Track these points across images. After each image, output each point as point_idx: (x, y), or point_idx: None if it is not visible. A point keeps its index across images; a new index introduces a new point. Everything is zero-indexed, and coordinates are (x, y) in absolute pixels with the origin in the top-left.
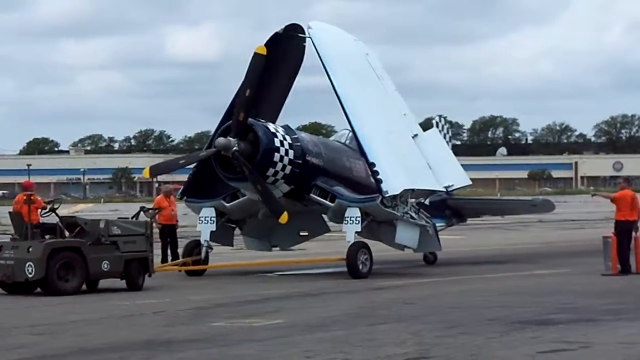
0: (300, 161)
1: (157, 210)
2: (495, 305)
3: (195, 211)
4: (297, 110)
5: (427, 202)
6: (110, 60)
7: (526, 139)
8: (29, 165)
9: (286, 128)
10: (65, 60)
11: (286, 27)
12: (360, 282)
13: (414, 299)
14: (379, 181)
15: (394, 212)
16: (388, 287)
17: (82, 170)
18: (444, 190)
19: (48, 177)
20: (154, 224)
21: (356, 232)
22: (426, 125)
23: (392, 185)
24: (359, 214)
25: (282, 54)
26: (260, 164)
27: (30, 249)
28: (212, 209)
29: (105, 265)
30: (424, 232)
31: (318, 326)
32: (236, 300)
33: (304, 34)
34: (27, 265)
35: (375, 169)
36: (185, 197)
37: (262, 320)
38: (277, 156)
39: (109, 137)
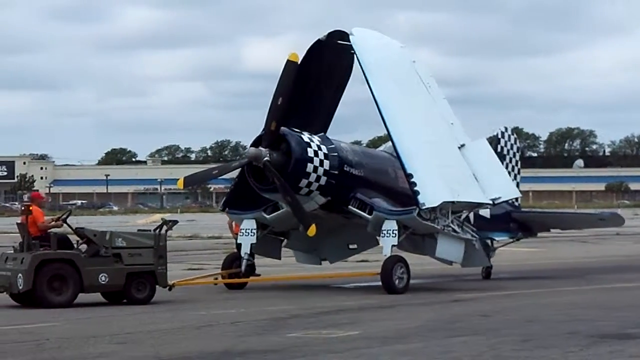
0: (336, 172)
1: (176, 223)
2: (573, 319)
3: (237, 223)
4: (375, 120)
5: (488, 215)
6: (189, 72)
7: (604, 151)
8: (107, 175)
9: (323, 138)
10: (144, 71)
11: (329, 34)
12: (435, 294)
13: (490, 311)
14: (416, 193)
15: (433, 225)
16: (464, 300)
17: (159, 180)
18: (491, 202)
19: (126, 187)
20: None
21: (393, 246)
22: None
23: (430, 197)
24: (396, 227)
25: (329, 62)
26: (293, 175)
27: (23, 260)
28: (253, 220)
29: (103, 278)
30: (469, 246)
31: (394, 338)
32: (311, 311)
33: (349, 41)
34: (18, 276)
35: (412, 180)
36: (227, 209)
37: (338, 331)
38: (310, 167)
39: (185, 148)
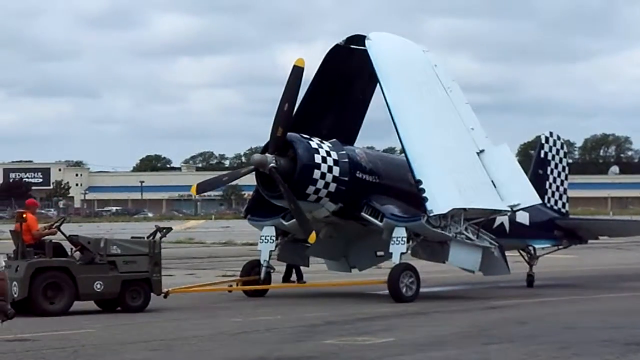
0: (346, 178)
1: (170, 230)
2: (610, 326)
3: (259, 229)
4: None
5: (527, 222)
6: (224, 78)
7: (639, 158)
8: (141, 182)
9: (334, 144)
10: (179, 78)
11: (348, 38)
12: (472, 301)
13: (527, 318)
14: (424, 199)
15: (444, 232)
16: (500, 307)
17: None
18: (508, 209)
19: (160, 194)
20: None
21: (402, 253)
22: (535, 143)
23: (438, 204)
24: (405, 234)
25: (356, 65)
26: (299, 181)
27: (18, 268)
28: (272, 227)
29: (99, 286)
30: (488, 254)
31: (430, 345)
32: (347, 317)
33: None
34: (13, 284)
35: (421, 186)
36: (248, 216)
37: (373, 338)
38: (317, 173)
39: (219, 154)
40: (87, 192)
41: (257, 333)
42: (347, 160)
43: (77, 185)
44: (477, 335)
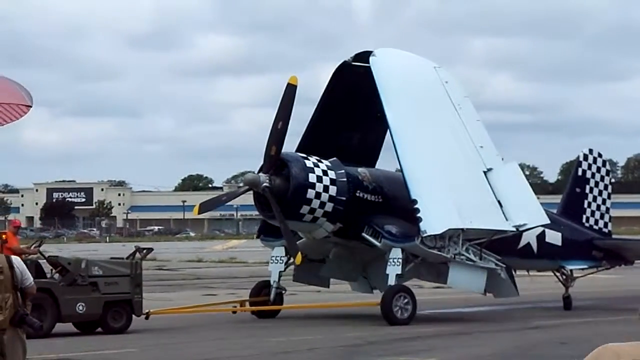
0: (344, 198)
1: (151, 250)
2: None
3: (271, 249)
4: None
5: (559, 242)
6: (265, 98)
7: None
8: (183, 201)
9: (333, 163)
10: (221, 98)
11: (356, 55)
12: (512, 321)
13: (569, 339)
14: (418, 219)
15: (440, 253)
16: (544, 327)
17: (235, 206)
18: (513, 229)
19: (202, 214)
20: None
21: (397, 275)
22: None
23: (433, 224)
24: (401, 255)
25: (366, 83)
26: (292, 201)
27: None
28: (282, 248)
29: (81, 307)
30: (494, 276)
31: None
32: (388, 337)
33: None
34: None
35: (416, 206)
36: (261, 236)
37: (415, 358)
38: (311, 192)
39: None
40: (129, 211)
41: (299, 353)
42: (345, 179)
43: (119, 204)
44: (518, 356)
